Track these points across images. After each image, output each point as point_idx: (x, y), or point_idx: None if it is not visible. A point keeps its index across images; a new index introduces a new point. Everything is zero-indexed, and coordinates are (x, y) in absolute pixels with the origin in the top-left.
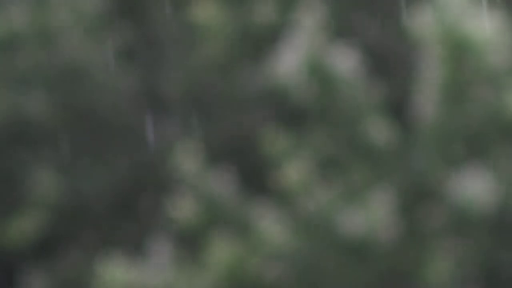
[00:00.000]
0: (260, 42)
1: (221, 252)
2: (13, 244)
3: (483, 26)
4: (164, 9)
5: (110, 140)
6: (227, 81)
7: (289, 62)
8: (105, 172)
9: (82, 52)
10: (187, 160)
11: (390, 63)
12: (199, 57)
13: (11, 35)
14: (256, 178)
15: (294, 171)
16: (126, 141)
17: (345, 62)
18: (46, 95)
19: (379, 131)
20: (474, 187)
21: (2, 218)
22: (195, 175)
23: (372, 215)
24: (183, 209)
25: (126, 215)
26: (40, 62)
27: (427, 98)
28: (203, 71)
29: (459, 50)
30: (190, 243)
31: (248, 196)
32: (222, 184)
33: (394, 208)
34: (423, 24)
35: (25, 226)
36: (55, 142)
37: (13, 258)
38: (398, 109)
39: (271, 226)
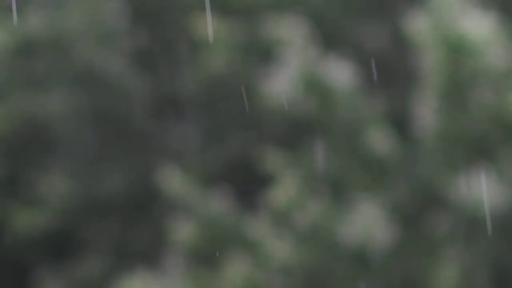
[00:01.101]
0: (265, 55)
1: (229, 271)
2: (26, 244)
3: (480, 27)
4: (178, 14)
5: (124, 144)
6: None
7: (284, 80)
8: (119, 176)
9: (98, 57)
10: (183, 182)
11: (389, 70)
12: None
13: (28, 39)
14: (259, 191)
15: (291, 185)
16: (141, 145)
17: (341, 74)
18: (62, 99)
19: (380, 142)
20: (479, 192)
21: (16, 218)
22: (194, 197)
23: (373, 226)
24: (184, 232)
25: (140, 219)
26: (57, 66)
27: (428, 103)
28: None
29: (456, 52)
30: (195, 264)
31: (247, 212)
32: (220, 204)
33: (397, 217)
34: (419, 27)
35: (38, 227)
36: (70, 145)
37: (26, 260)
38: (399, 116)
39: (273, 241)
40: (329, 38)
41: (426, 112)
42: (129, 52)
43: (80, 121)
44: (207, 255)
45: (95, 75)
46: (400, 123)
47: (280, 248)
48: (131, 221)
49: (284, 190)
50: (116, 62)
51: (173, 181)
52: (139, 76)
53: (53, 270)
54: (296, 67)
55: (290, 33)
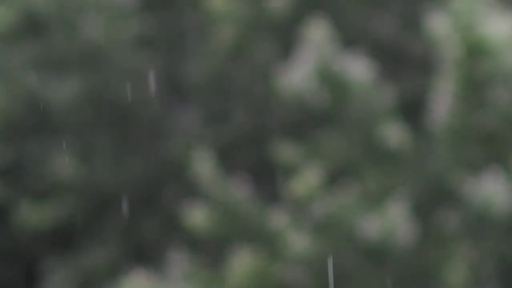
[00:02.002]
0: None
1: (243, 259)
2: (34, 234)
3: (500, 28)
4: None
5: (132, 128)
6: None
7: (300, 71)
8: (127, 162)
9: (105, 39)
10: (203, 168)
11: (407, 65)
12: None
13: (35, 19)
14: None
15: (310, 177)
16: (148, 129)
17: (357, 67)
18: (70, 81)
19: (393, 135)
20: (491, 189)
21: (24, 205)
22: (212, 184)
23: (389, 220)
24: (200, 217)
25: (148, 207)
26: (64, 46)
27: (443, 100)
28: (222, 59)
29: (475, 52)
30: (209, 250)
31: (265, 202)
32: (239, 191)
33: (411, 212)
34: (439, 26)
35: (46, 218)
36: (77, 129)
37: (34, 250)
38: (414, 111)
39: (290, 232)
40: (346, 31)
41: (441, 108)
42: (137, 34)
43: (87, 103)
44: (221, 242)
45: (102, 56)
46: (414, 117)
47: (297, 239)
48: (139, 211)
49: (303, 182)
50: (124, 43)
51: (202, 165)
52: (147, 59)
53: (60, 260)
54: (313, 60)
55: (309, 27)
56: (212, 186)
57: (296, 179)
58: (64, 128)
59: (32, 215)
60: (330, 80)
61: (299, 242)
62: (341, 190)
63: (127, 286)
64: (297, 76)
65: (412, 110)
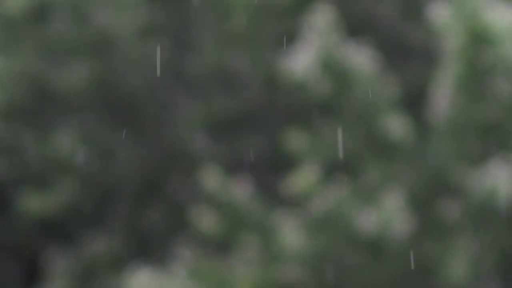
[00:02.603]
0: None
1: (243, 256)
2: (35, 220)
3: (503, 17)
4: None
5: (136, 117)
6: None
7: (304, 60)
8: (130, 150)
9: (112, 26)
10: (208, 173)
11: (409, 56)
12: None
13: (43, 6)
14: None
15: (308, 173)
16: (153, 118)
17: (360, 57)
18: (76, 66)
19: (395, 126)
20: (493, 180)
21: (26, 192)
22: (216, 186)
23: (388, 213)
24: (205, 218)
25: (152, 196)
26: (71, 32)
27: (444, 91)
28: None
29: (478, 41)
30: (213, 249)
31: (265, 196)
32: (241, 191)
33: (411, 204)
34: (442, 14)
35: (48, 202)
36: (82, 116)
37: (36, 238)
38: (416, 102)
39: (289, 228)
40: (349, 21)
41: (442, 100)
42: (144, 23)
43: (92, 91)
44: (224, 243)
45: (109, 44)
46: (417, 108)
47: (296, 236)
48: (143, 200)
49: (302, 177)
50: (131, 32)
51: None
52: (153, 48)
53: (62, 251)
54: (316, 48)
55: (314, 16)
56: (216, 189)
57: (295, 174)
58: (68, 114)
59: (34, 203)
60: (333, 69)
61: (297, 239)
62: (339, 184)
63: (132, 284)
64: (300, 64)
65: (414, 102)
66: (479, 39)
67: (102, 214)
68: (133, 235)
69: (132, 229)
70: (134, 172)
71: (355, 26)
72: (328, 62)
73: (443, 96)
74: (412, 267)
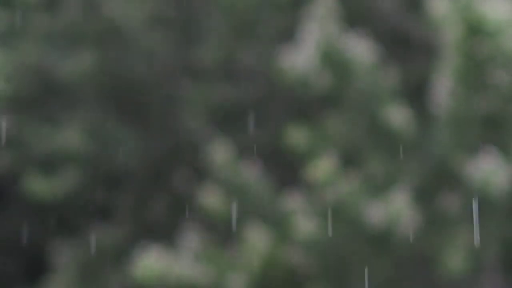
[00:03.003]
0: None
1: (252, 241)
2: (40, 209)
3: (499, 10)
4: None
5: (143, 106)
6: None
7: (304, 52)
8: (136, 140)
9: (120, 16)
10: (218, 151)
11: (408, 47)
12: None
13: None
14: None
15: (327, 163)
16: (159, 108)
17: (360, 48)
18: (83, 55)
19: (397, 116)
20: (491, 171)
21: (31, 181)
22: (225, 167)
23: (394, 205)
24: (213, 199)
25: (158, 186)
26: (79, 22)
27: (445, 82)
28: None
29: (475, 32)
30: (220, 232)
31: (273, 184)
32: (251, 175)
33: (414, 196)
34: (440, 6)
35: (53, 190)
36: (88, 105)
37: (43, 229)
38: (416, 93)
39: (298, 216)
40: (350, 12)
41: (442, 90)
42: (153, 14)
43: (99, 80)
44: (231, 226)
45: (117, 33)
46: (416, 99)
47: (305, 223)
48: (149, 190)
49: (320, 167)
50: (140, 22)
51: (213, 147)
52: (161, 39)
53: (67, 240)
54: (316, 40)
55: (315, 7)
56: (224, 168)
57: (312, 163)
58: (75, 102)
59: (39, 191)
60: (333, 60)
61: (306, 225)
62: (347, 175)
63: (140, 264)
64: (301, 56)
65: (416, 94)
66: (475, 30)
67: (107, 205)
68: (138, 226)
69: (137, 220)
70: (140, 163)
71: (355, 18)
72: (329, 53)
73: (444, 88)
74: (416, 259)
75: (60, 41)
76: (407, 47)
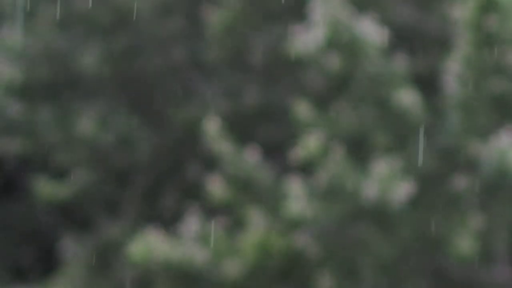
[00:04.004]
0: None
1: (255, 225)
2: (51, 203)
3: None
4: None
5: (152, 97)
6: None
7: (314, 34)
8: (149, 131)
9: (132, 5)
10: (219, 138)
11: (418, 34)
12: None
13: None
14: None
15: (317, 141)
16: (169, 99)
17: (369, 31)
18: (96, 44)
19: (404, 100)
20: (503, 154)
21: (43, 185)
22: (226, 153)
23: (387, 180)
24: (216, 184)
25: (166, 179)
26: (91, 11)
27: (455, 67)
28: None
29: (485, 11)
30: (223, 216)
31: (277, 171)
32: (251, 159)
33: (418, 176)
34: None
35: (63, 185)
36: (99, 94)
37: (51, 222)
38: (426, 77)
39: (296, 197)
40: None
41: (453, 75)
42: (162, 4)
43: (111, 70)
44: (233, 211)
45: (129, 23)
46: (425, 83)
47: (302, 204)
48: (159, 184)
49: (308, 146)
50: (150, 12)
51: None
52: (171, 29)
53: (78, 234)
54: (326, 22)
55: None
56: (227, 155)
57: (301, 144)
58: (86, 92)
59: (49, 187)
60: (342, 42)
61: (305, 207)
62: (348, 154)
63: (142, 242)
64: (310, 38)
65: (425, 80)
66: (486, 9)
67: (117, 199)
68: (147, 220)
69: (147, 214)
70: (151, 156)
71: (365, 5)
72: (337, 35)
73: (454, 70)
74: (420, 240)
75: (75, 31)
76: (417, 36)
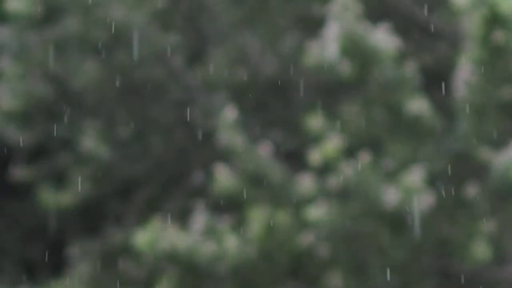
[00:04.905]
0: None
1: (261, 220)
2: (58, 212)
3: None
4: None
5: (153, 108)
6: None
7: (327, 40)
8: (148, 143)
9: (124, 18)
10: (232, 132)
11: (431, 39)
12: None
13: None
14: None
15: (332, 145)
16: (170, 109)
17: (380, 36)
18: (90, 61)
19: (416, 104)
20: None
21: (48, 186)
22: (239, 147)
23: (409, 189)
24: (224, 178)
25: (170, 187)
26: (83, 28)
27: (465, 72)
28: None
29: (490, 23)
30: (231, 210)
31: (288, 166)
32: (264, 155)
33: (432, 183)
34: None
35: (69, 195)
36: (99, 110)
37: (59, 230)
38: (437, 82)
39: (310, 197)
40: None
41: (462, 80)
42: (157, 14)
43: (108, 85)
44: (242, 206)
45: (122, 37)
46: (436, 89)
47: (316, 205)
48: (161, 192)
49: (325, 150)
50: (144, 24)
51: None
52: (167, 39)
53: (84, 241)
54: (339, 28)
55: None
56: (238, 150)
57: (318, 146)
58: (86, 108)
59: (55, 196)
60: (354, 47)
61: (319, 208)
62: (362, 158)
63: (149, 230)
64: (324, 45)
65: (436, 85)
66: (491, 21)
67: (121, 206)
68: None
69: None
70: (153, 165)
71: (376, 8)
72: (350, 40)
73: (463, 77)
74: (433, 241)
75: (68, 49)
76: (428, 39)
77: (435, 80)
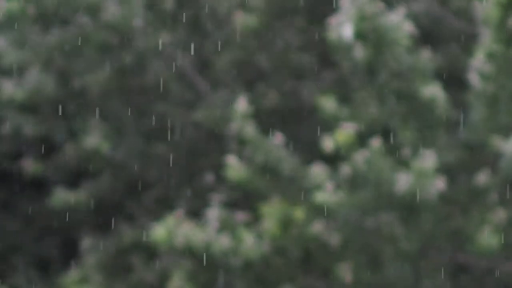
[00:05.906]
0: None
1: (275, 211)
2: (69, 211)
3: None
4: None
5: (159, 109)
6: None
7: (342, 26)
8: (154, 143)
9: (126, 20)
10: (245, 124)
11: (441, 30)
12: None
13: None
14: (308, 141)
15: (345, 132)
16: (175, 110)
17: (397, 24)
18: (97, 63)
19: (430, 92)
20: None
21: (58, 185)
22: (252, 139)
23: (421, 175)
24: (237, 170)
25: (178, 186)
26: (88, 32)
27: (478, 64)
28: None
29: (506, 12)
30: (244, 202)
31: (301, 158)
32: (277, 147)
33: (444, 169)
34: None
35: (79, 194)
36: (107, 110)
37: (69, 228)
38: (450, 73)
39: (323, 186)
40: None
41: (475, 71)
42: (156, 12)
43: (115, 86)
44: (255, 197)
45: (126, 38)
46: (451, 79)
47: (329, 193)
48: (170, 190)
49: (338, 137)
50: (140, 24)
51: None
52: (170, 39)
53: (95, 240)
54: (354, 15)
55: None
56: (251, 141)
57: (332, 134)
58: (94, 108)
59: (66, 195)
60: (370, 33)
61: (332, 196)
62: (375, 145)
63: (165, 224)
64: (340, 31)
65: (449, 76)
66: (507, 6)
67: (131, 204)
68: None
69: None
70: (159, 164)
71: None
72: (366, 26)
73: (476, 67)
74: (443, 233)
75: (76, 51)
76: (443, 33)
77: (449, 75)
